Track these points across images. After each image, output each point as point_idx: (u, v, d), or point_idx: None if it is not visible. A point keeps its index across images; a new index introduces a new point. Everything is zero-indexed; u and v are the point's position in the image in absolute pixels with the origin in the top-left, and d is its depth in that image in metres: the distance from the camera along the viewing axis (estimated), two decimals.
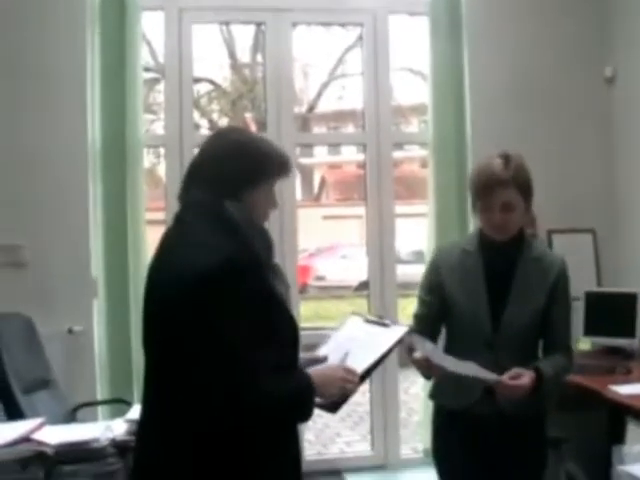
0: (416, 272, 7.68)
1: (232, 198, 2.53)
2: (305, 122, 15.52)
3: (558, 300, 3.49)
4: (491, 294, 3.45)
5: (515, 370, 3.29)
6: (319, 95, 16.04)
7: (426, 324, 3.58)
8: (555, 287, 3.48)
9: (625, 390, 4.50)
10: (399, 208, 6.13)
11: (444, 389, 3.53)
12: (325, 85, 15.76)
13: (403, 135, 8.04)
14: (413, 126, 13.74)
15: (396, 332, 2.86)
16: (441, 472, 3.64)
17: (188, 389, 2.37)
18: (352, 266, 16.56)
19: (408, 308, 12.08)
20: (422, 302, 3.64)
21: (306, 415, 2.52)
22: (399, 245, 6.15)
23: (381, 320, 3.01)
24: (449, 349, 3.52)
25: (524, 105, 5.99)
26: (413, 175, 15.98)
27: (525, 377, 3.27)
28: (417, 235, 7.82)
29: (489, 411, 3.37)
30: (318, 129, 17.78)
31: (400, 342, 2.86)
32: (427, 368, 3.31)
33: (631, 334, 5.46)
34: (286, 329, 2.55)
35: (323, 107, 16.90)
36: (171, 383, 2.44)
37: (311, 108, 16.21)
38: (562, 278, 3.52)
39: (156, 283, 2.56)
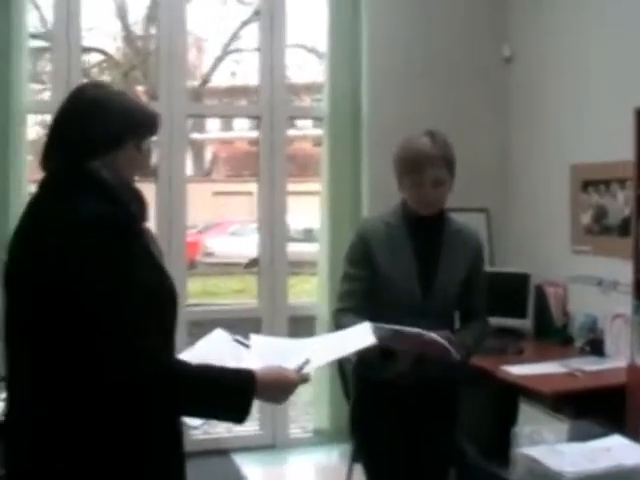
0: (307, 250, 7.67)
1: (99, 159, 2.36)
2: (197, 96, 15.32)
3: (477, 270, 3.64)
4: (420, 265, 3.52)
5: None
6: (213, 69, 15.87)
7: (358, 298, 3.57)
8: (475, 258, 3.64)
9: (517, 370, 4.58)
10: (291, 186, 6.09)
11: (369, 362, 3.50)
12: (219, 59, 15.61)
13: (298, 109, 7.93)
14: (306, 103, 13.69)
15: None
16: (360, 440, 3.80)
17: (66, 363, 2.23)
18: (242, 243, 16.50)
19: (298, 286, 12.08)
20: (351, 277, 3.61)
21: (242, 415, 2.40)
22: (290, 223, 6.10)
23: (244, 342, 2.92)
24: (376, 318, 3.39)
25: (421, 84, 6.03)
26: (305, 153, 15.97)
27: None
28: (308, 214, 7.77)
29: (413, 382, 3.44)
30: (210, 103, 17.63)
31: None
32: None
33: (523, 314, 5.53)
34: (165, 291, 2.44)
35: (216, 82, 16.75)
36: (44, 360, 2.26)
37: (204, 82, 16.04)
38: (480, 249, 3.70)
39: (19, 250, 2.36)
